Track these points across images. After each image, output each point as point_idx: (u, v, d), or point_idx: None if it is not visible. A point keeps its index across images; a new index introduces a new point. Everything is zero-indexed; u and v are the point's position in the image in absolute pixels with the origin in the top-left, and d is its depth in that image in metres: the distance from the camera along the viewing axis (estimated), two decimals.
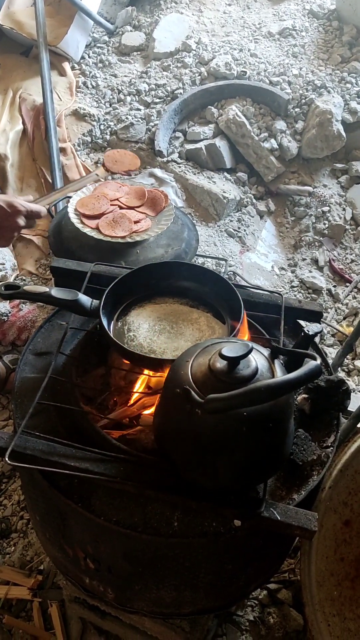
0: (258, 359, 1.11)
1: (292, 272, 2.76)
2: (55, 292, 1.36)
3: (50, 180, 2.73)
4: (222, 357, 1.05)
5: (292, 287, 2.70)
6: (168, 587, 1.26)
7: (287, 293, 2.68)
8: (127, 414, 1.42)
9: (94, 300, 1.39)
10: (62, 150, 2.81)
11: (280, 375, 1.09)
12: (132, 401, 1.44)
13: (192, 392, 1.03)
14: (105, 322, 1.35)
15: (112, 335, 1.33)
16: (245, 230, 2.76)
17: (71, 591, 1.54)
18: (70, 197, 2.09)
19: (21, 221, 1.62)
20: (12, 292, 1.35)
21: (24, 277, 2.52)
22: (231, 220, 2.78)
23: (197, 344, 1.19)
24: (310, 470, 1.27)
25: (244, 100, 2.99)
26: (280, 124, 2.94)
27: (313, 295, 2.70)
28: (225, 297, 1.45)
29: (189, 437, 1.09)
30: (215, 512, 1.15)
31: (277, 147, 2.91)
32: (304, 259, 2.82)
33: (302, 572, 1.49)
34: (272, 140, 2.91)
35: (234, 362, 1.06)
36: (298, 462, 1.24)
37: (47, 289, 1.36)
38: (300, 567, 1.62)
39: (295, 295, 2.67)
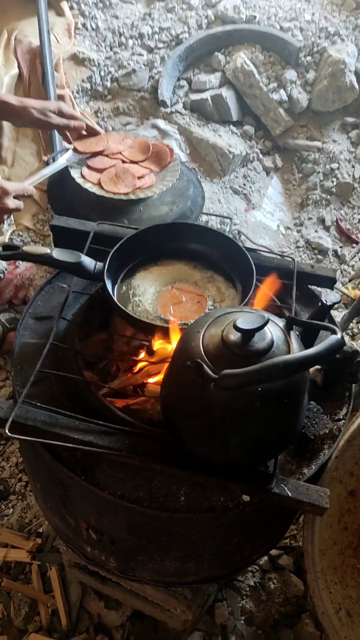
0: (273, 330, 1.05)
1: (298, 231, 2.67)
2: (57, 254, 1.27)
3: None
4: (237, 329, 0.99)
5: (298, 247, 2.62)
6: (172, 559, 1.24)
7: (292, 253, 2.59)
8: (131, 382, 1.37)
9: (98, 262, 1.31)
10: (60, 98, 2.65)
11: (296, 349, 1.03)
12: (136, 369, 1.38)
13: (205, 366, 0.97)
14: (109, 287, 1.28)
15: (116, 301, 1.26)
16: (250, 187, 2.65)
17: (71, 557, 1.52)
18: (68, 149, 1.98)
19: (10, 203, 1.59)
20: (12, 252, 1.26)
21: (20, 233, 2.42)
22: (236, 177, 2.67)
23: (208, 313, 1.12)
24: (321, 444, 1.23)
25: (253, 47, 2.82)
26: (291, 74, 2.78)
27: (319, 256, 2.62)
28: (235, 261, 1.37)
29: (199, 412, 1.03)
30: (223, 487, 1.11)
31: (287, 98, 2.76)
32: (310, 218, 2.72)
33: (304, 540, 1.48)
34: (282, 91, 2.76)
35: (248, 334, 1.00)
36: (309, 436, 1.20)
37: (48, 250, 1.27)
38: (303, 535, 1.61)
39: (300, 256, 2.59)
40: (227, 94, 2.73)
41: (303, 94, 2.80)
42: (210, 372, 0.96)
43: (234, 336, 1.01)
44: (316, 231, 2.67)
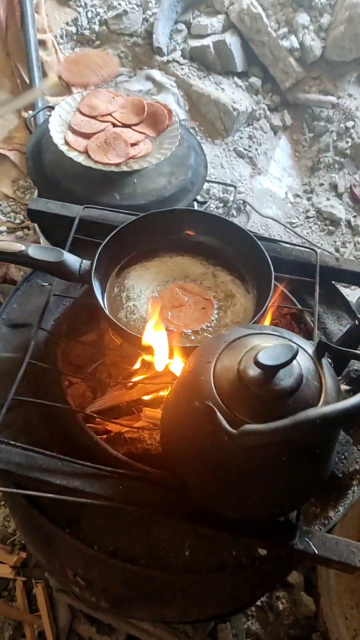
0: (301, 360, 0.84)
1: (308, 199, 2.42)
2: (34, 252, 1.05)
3: (28, 81, 2.28)
4: (259, 365, 0.78)
5: (308, 217, 2.38)
6: (173, 607, 1.07)
7: (301, 224, 2.36)
8: (124, 398, 1.17)
9: (84, 260, 1.08)
10: (42, 43, 2.33)
11: (330, 386, 0.83)
12: (130, 382, 1.18)
13: (219, 415, 0.77)
14: (98, 292, 1.06)
15: (107, 312, 1.04)
16: (256, 150, 2.38)
17: (58, 583, 1.36)
18: (52, 108, 1.71)
19: None
20: None
21: None
22: (241, 137, 2.39)
23: (218, 336, 0.91)
24: (349, 479, 1.04)
25: None
26: (303, 18, 2.46)
27: (330, 227, 2.38)
28: (250, 256, 1.15)
29: (209, 463, 0.84)
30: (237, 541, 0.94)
31: (298, 46, 2.46)
32: (321, 184, 2.47)
33: None
34: (293, 38, 2.45)
35: (272, 371, 0.79)
36: (338, 474, 1.01)
37: (23, 247, 1.05)
38: None
39: (310, 228, 2.36)
40: (231, 40, 2.42)
41: (317, 41, 2.48)
42: (225, 425, 0.75)
43: (254, 371, 0.81)
44: (328, 199, 2.42)
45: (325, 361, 0.87)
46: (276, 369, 0.79)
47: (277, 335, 0.88)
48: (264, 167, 2.38)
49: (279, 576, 1.22)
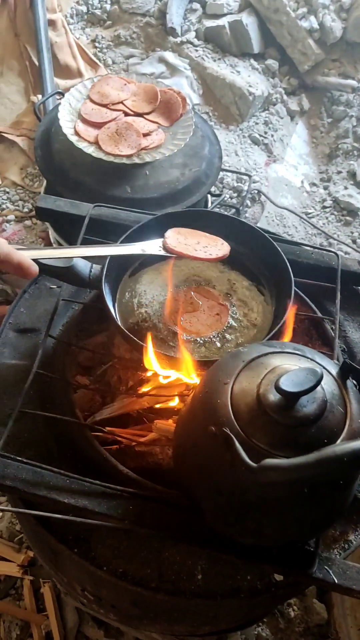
0: (325, 383, 0.79)
1: (325, 188, 2.34)
2: None
3: (37, 63, 2.20)
4: (280, 391, 0.73)
5: (324, 207, 2.30)
6: (184, 625, 1.04)
7: (317, 214, 2.28)
8: (135, 407, 1.13)
9: (94, 265, 1.03)
10: (51, 24, 2.25)
11: (357, 410, 0.78)
12: (141, 390, 1.14)
13: (237, 445, 0.72)
14: (109, 300, 1.01)
15: (118, 321, 0.99)
16: (272, 136, 2.30)
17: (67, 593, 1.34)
18: (62, 94, 1.64)
19: None
20: None
21: (7, 189, 2.10)
22: (256, 123, 2.30)
23: (236, 353, 0.85)
24: None
25: None
26: None
27: (347, 217, 2.30)
28: (267, 259, 1.10)
29: (225, 490, 0.79)
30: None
31: (318, 27, 2.35)
32: (339, 172, 2.38)
33: None
34: (312, 18, 2.34)
35: (293, 397, 0.74)
36: (358, 496, 0.97)
37: None
38: None
39: (326, 218, 2.28)
40: (248, 20, 2.32)
41: (337, 22, 2.38)
42: (245, 457, 0.70)
43: (274, 396, 0.76)
44: (346, 188, 2.33)
45: (350, 383, 0.81)
46: (299, 395, 0.74)
47: (299, 355, 0.83)
48: (280, 154, 2.30)
49: (295, 594, 1.19)
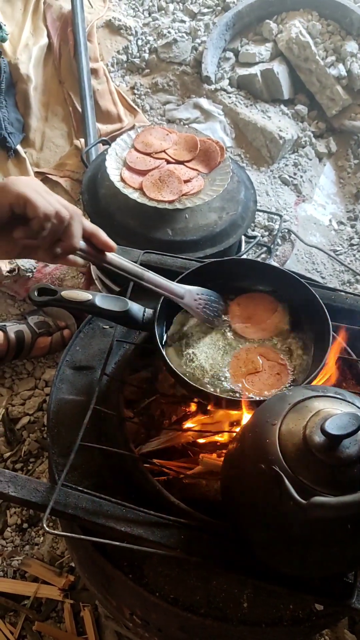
0: None
1: (352, 227, 2.42)
2: (101, 301, 1.08)
3: (80, 109, 2.34)
4: (325, 434, 0.81)
5: (352, 245, 2.38)
6: None
7: (345, 252, 2.36)
8: (179, 440, 1.21)
9: (147, 309, 1.12)
10: (94, 72, 2.39)
11: None
12: (185, 424, 1.21)
13: (287, 483, 0.79)
14: (160, 341, 1.09)
15: (169, 362, 1.07)
16: (301, 177, 2.40)
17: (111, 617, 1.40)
18: (108, 144, 1.76)
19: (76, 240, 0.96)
20: (48, 298, 1.07)
21: None
22: (286, 164, 2.41)
23: (281, 396, 0.93)
24: None
25: (309, 15, 2.50)
26: (352, 46, 2.47)
27: None
28: (305, 305, 1.17)
29: (272, 523, 0.86)
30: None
31: (345, 74, 2.46)
32: None
33: None
34: (340, 66, 2.46)
35: (337, 439, 0.82)
36: None
37: (90, 297, 1.08)
38: None
39: (354, 255, 2.36)
40: (279, 68, 2.44)
41: None
42: (294, 494, 0.78)
43: (319, 438, 0.83)
44: None
45: None
46: (342, 438, 0.81)
47: (340, 399, 0.91)
48: (309, 194, 2.39)
49: (333, 624, 1.24)
